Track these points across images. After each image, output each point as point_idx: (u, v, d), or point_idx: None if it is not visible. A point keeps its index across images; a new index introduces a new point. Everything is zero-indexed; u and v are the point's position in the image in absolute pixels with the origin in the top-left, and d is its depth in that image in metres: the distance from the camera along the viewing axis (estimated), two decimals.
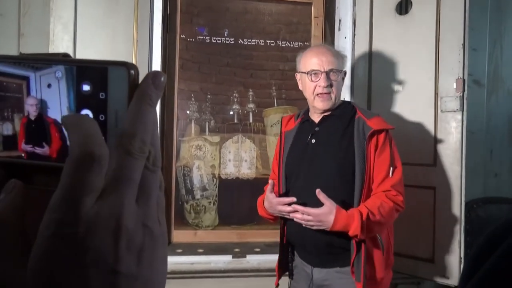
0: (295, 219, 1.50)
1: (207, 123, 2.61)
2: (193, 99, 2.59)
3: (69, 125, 0.29)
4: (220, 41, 2.61)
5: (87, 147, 0.28)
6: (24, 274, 0.28)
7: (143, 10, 2.14)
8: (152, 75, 0.31)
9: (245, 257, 2.31)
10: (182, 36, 2.56)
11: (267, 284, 2.24)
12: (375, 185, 1.55)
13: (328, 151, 1.58)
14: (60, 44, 1.79)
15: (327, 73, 1.58)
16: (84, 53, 1.88)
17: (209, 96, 2.61)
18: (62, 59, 0.34)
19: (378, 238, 1.54)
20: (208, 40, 2.60)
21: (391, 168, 1.54)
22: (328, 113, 1.64)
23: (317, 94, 1.60)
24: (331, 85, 1.59)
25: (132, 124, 0.30)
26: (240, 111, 2.63)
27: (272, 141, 2.65)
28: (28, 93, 0.33)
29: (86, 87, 0.33)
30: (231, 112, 2.63)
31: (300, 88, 1.74)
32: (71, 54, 1.80)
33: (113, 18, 2.01)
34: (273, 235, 2.57)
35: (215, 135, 2.61)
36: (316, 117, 1.68)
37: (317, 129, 1.64)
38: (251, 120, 2.64)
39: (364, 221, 1.43)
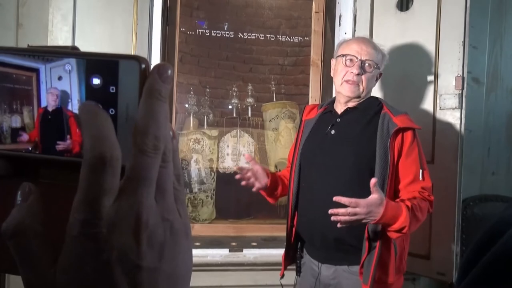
0: (334, 218, 1.33)
1: (205, 116, 2.61)
2: (192, 92, 2.59)
3: (83, 123, 0.29)
4: (219, 35, 2.60)
5: (99, 149, 0.28)
6: (53, 275, 0.29)
7: (142, 2, 2.13)
8: (157, 69, 0.31)
9: (242, 251, 2.32)
10: (181, 29, 2.54)
11: (263, 278, 2.25)
12: (402, 186, 1.50)
13: (347, 143, 1.52)
14: (58, 35, 1.78)
15: (362, 62, 1.53)
16: (82, 44, 1.86)
17: (208, 90, 2.60)
18: (72, 52, 0.33)
19: (392, 241, 1.48)
20: (208, 34, 2.59)
21: (421, 171, 1.50)
22: (353, 105, 1.59)
23: (346, 80, 1.55)
24: (362, 75, 1.53)
25: (144, 122, 0.30)
26: (239, 105, 2.63)
27: (270, 136, 2.65)
28: (39, 85, 0.33)
29: (96, 81, 0.32)
30: (230, 106, 2.62)
31: (332, 74, 1.67)
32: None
33: (113, 10, 1.99)
34: (270, 230, 2.58)
35: (214, 129, 2.60)
36: (339, 108, 1.62)
37: (338, 120, 1.58)
38: (249, 115, 2.64)
39: (410, 213, 1.37)
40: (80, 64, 0.32)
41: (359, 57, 1.53)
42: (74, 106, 0.33)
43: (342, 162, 1.51)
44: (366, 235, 1.45)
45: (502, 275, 0.36)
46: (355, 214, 1.31)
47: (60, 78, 0.33)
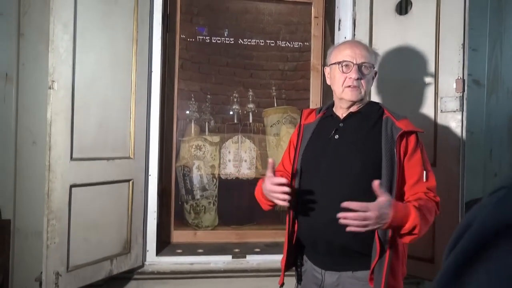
0: (343, 222, 1.28)
1: (207, 123, 2.61)
2: (193, 99, 2.59)
3: None
4: (220, 41, 2.61)
5: None
6: None
7: (143, 10, 2.14)
8: None
9: (245, 257, 2.31)
10: (182, 36, 2.56)
11: (267, 285, 2.24)
12: (407, 188, 1.49)
13: (353, 148, 1.51)
14: (60, 43, 1.79)
15: (359, 66, 1.53)
16: (83, 53, 1.87)
17: (209, 96, 2.61)
18: None
19: (399, 246, 1.47)
20: (208, 40, 2.60)
21: (425, 172, 1.48)
22: (355, 110, 1.58)
23: (347, 86, 1.54)
24: (361, 79, 1.53)
25: None
26: (240, 111, 2.63)
27: (271, 141, 2.65)
28: None
29: None
30: (231, 112, 2.63)
31: (328, 82, 1.66)
32: (71, 54, 1.81)
33: (113, 17, 2.00)
34: (273, 236, 2.57)
35: (215, 135, 2.61)
36: (341, 113, 1.61)
37: (341, 125, 1.57)
38: (251, 120, 2.64)
39: (419, 212, 1.33)
40: None
41: (354, 62, 1.53)
42: None
43: (348, 167, 1.49)
44: (377, 240, 1.42)
45: (468, 265, 0.38)
46: (365, 219, 1.26)
47: None
